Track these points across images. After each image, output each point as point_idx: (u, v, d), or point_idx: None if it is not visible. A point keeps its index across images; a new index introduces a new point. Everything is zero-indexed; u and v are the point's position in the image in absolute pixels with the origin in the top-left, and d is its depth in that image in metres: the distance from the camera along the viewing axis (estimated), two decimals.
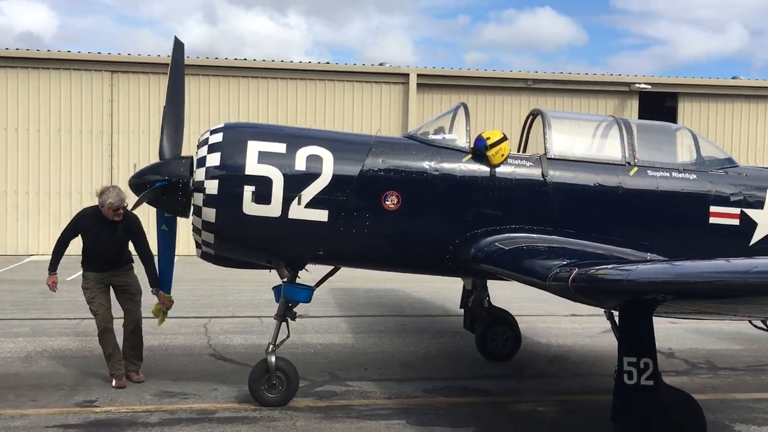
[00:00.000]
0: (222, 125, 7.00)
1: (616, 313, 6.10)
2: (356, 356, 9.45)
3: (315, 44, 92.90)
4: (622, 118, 7.87)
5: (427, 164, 7.00)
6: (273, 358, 7.09)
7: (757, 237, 7.54)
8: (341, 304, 13.36)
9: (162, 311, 7.86)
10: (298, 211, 6.66)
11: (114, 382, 7.63)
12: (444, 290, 14.83)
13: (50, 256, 7.81)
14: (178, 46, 7.45)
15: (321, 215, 6.72)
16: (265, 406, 7.09)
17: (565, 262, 5.68)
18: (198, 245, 7.04)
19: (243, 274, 10.19)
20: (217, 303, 13.03)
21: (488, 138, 7.00)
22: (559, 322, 12.25)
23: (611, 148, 7.46)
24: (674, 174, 7.44)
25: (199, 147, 6.82)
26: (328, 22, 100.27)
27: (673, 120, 23.67)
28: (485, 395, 7.83)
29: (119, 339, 7.84)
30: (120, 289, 7.90)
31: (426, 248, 7.08)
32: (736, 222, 7.49)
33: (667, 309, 5.71)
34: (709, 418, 5.97)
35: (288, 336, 7.32)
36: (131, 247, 7.89)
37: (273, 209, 6.63)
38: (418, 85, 22.13)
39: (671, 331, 11.67)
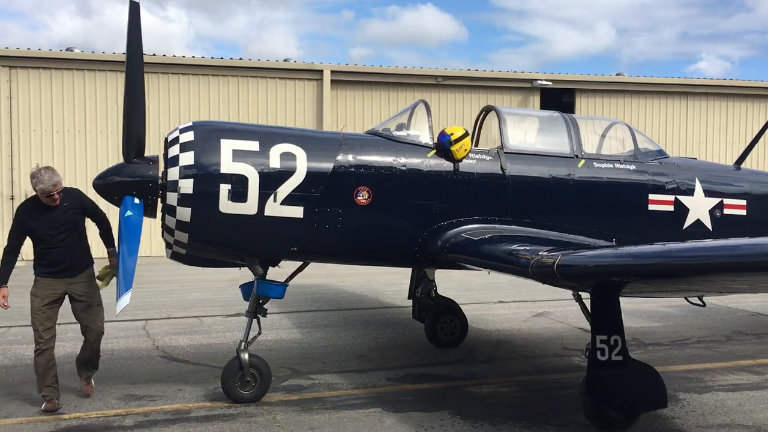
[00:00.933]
0: (190, 124, 6.95)
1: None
2: (310, 350, 9.56)
3: (197, 38, 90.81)
4: (566, 113, 8.38)
5: (394, 160, 7.22)
6: (246, 355, 7.13)
7: (689, 221, 8.25)
8: (275, 301, 13.31)
9: (109, 275, 7.12)
10: (274, 209, 6.73)
11: (44, 405, 6.80)
12: (374, 283, 15.16)
13: None
14: (134, 7, 6.63)
15: (296, 212, 6.81)
16: (237, 403, 7.13)
17: (545, 249, 6.07)
18: (168, 246, 6.96)
19: (172, 275, 9.96)
20: (149, 305, 12.72)
21: (452, 134, 7.30)
22: (491, 309, 12.79)
23: (560, 142, 7.95)
24: (616, 165, 8.03)
25: (169, 146, 6.74)
26: (210, 15, 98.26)
27: (571, 113, 24.96)
28: (447, 380, 8.15)
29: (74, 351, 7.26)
30: (78, 302, 7.01)
31: (395, 242, 7.31)
32: (671, 208, 8.16)
33: (635, 289, 6.21)
34: (705, 385, 6.58)
35: (259, 333, 7.37)
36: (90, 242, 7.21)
37: (249, 207, 6.66)
38: (332, 81, 22.26)
39: (638, 315, 12.46)
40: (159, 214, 6.84)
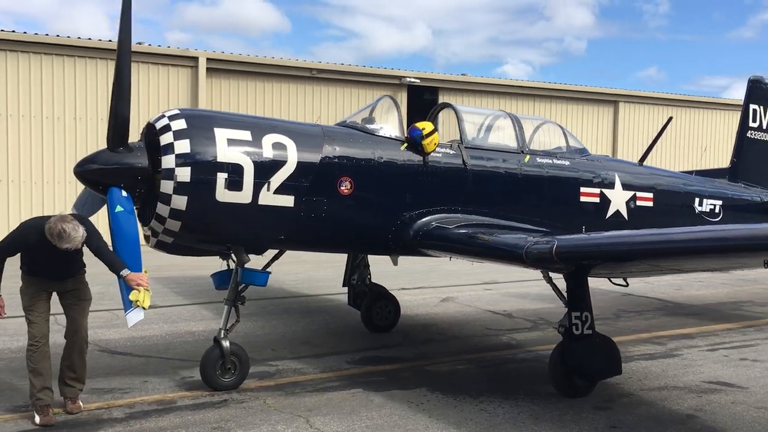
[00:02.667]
0: (178, 111, 6.87)
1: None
2: (254, 339, 9.62)
3: None
4: (510, 112, 9.14)
5: (373, 152, 7.58)
6: (227, 343, 7.20)
7: (610, 211, 9.31)
8: (194, 292, 13.16)
9: (144, 291, 6.30)
10: (267, 198, 6.85)
11: (37, 418, 6.15)
12: (293, 273, 15.28)
13: None
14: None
15: (287, 201, 6.98)
16: (216, 391, 7.17)
17: (532, 236, 6.73)
18: (154, 234, 6.85)
19: None
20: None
21: (423, 129, 7.78)
22: (400, 295, 13.34)
23: (509, 138, 8.68)
24: (555, 161, 8.90)
25: (160, 133, 6.65)
26: None
27: None
28: (403, 361, 8.62)
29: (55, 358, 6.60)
30: (66, 294, 6.53)
31: (373, 230, 7.67)
32: (597, 200, 9.18)
33: (605, 271, 7.03)
34: (634, 353, 7.49)
35: (237, 320, 7.45)
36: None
37: (244, 196, 6.74)
38: (208, 69, 21.81)
39: (494, 297, 13.51)
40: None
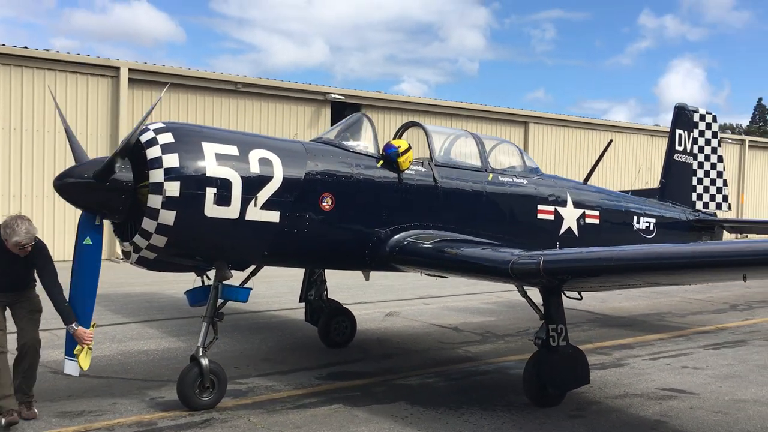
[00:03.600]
0: (162, 124, 6.76)
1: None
2: (214, 357, 9.43)
3: None
4: (471, 132, 9.44)
5: (352, 168, 7.68)
6: (206, 361, 7.07)
7: (563, 229, 9.77)
8: (131, 310, 12.73)
9: (87, 349, 6.71)
10: (254, 213, 6.82)
11: (3, 420, 6.31)
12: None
13: None
14: None
15: (273, 216, 6.97)
16: (194, 411, 7.03)
17: (517, 251, 6.99)
18: (136, 250, 6.67)
19: None
20: None
21: (399, 146, 7.95)
22: None
23: (473, 157, 8.98)
24: (514, 179, 9.26)
25: (147, 147, 6.51)
26: None
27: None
28: (371, 376, 8.67)
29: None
30: (17, 305, 6.64)
31: (352, 246, 7.74)
32: (552, 217, 9.61)
33: (580, 285, 7.38)
34: None
35: (216, 337, 7.33)
36: None
37: (232, 211, 6.69)
38: (130, 80, 21.17)
39: (435, 311, 13.78)
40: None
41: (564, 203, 9.77)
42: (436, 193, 8.34)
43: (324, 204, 7.38)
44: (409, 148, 8.04)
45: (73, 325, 6.61)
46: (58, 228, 19.44)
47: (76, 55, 20.81)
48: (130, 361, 9.18)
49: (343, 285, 14.98)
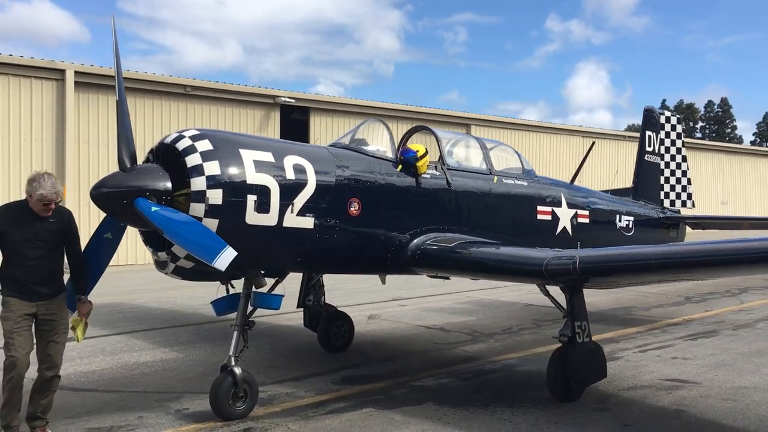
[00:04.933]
0: (197, 131, 6.64)
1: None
2: (214, 366, 9.23)
3: None
4: (474, 135, 9.63)
5: (375, 173, 7.73)
6: (239, 370, 6.99)
7: (559, 228, 10.08)
8: (107, 321, 12.35)
9: (83, 325, 6.54)
10: (291, 220, 6.79)
11: None
12: (202, 297, 14.71)
13: None
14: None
15: (308, 223, 6.95)
16: (225, 420, 6.94)
17: (546, 252, 7.19)
18: (174, 259, 6.52)
19: None
20: None
21: (417, 151, 8.05)
22: None
23: (479, 160, 9.17)
24: (516, 181, 9.51)
25: (185, 154, 6.39)
26: None
27: (306, 130, 26.43)
28: (387, 379, 8.69)
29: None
30: (45, 323, 6.17)
31: (376, 251, 7.79)
32: (549, 218, 9.90)
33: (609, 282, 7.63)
34: (536, 370, 8.52)
35: (246, 346, 7.25)
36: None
37: (271, 218, 6.65)
38: (77, 83, 20.45)
39: (414, 313, 13.92)
40: None
41: (559, 204, 10.09)
42: (449, 197, 8.49)
43: (352, 209, 7.40)
44: (427, 152, 8.15)
45: (84, 297, 6.48)
46: None
47: (18, 57, 19.96)
48: (133, 374, 8.93)
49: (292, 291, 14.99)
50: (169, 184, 6.33)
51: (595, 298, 16.28)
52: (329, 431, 6.72)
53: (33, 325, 6.23)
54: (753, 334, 11.86)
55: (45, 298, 6.17)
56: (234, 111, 24.25)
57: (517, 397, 7.84)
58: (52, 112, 20.30)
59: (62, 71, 20.26)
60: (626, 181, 14.49)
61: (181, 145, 6.45)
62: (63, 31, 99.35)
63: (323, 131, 26.42)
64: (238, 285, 7.85)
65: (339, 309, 10.61)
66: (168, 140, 6.59)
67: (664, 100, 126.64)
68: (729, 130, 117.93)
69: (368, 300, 15.27)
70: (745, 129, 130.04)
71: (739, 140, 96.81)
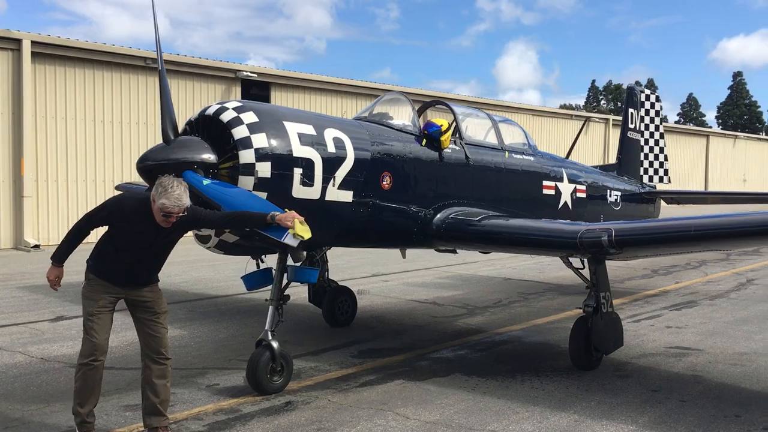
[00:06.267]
0: (240, 102, 6.52)
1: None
2: (225, 343, 9.21)
3: None
4: (483, 111, 9.72)
5: (404, 147, 7.74)
6: (276, 344, 6.96)
7: (561, 203, 10.31)
8: (68, 301, 11.92)
9: (299, 223, 5.85)
10: (332, 193, 6.77)
11: None
12: (182, 273, 14.52)
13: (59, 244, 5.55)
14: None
15: (347, 196, 6.94)
16: (263, 395, 6.91)
17: (583, 224, 7.36)
18: (218, 233, 6.42)
19: None
20: None
21: (441, 125, 8.09)
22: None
23: (491, 135, 9.27)
24: (524, 156, 9.67)
25: (231, 126, 6.27)
26: None
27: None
28: (403, 352, 8.74)
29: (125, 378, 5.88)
30: (139, 306, 5.63)
31: (404, 224, 7.82)
32: (553, 192, 10.12)
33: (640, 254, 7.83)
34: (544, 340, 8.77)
35: (281, 320, 7.21)
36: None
37: (314, 191, 6.61)
38: (34, 54, 19.60)
39: (400, 288, 14.02)
40: None
41: (561, 179, 10.31)
42: (467, 172, 8.58)
43: (384, 183, 7.42)
44: (450, 126, 8.21)
45: (272, 215, 5.76)
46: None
47: None
48: (130, 353, 8.71)
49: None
50: (213, 157, 6.20)
51: (567, 272, 16.72)
52: (370, 402, 6.76)
53: (115, 306, 5.67)
54: (730, 304, 12.42)
55: (134, 288, 5.62)
56: (195, 85, 23.70)
57: (541, 367, 8.06)
58: (7, 85, 19.40)
59: (18, 41, 19.34)
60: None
61: (226, 116, 6.33)
62: None
63: (283, 104, 26.09)
64: (268, 260, 7.81)
65: (341, 284, 10.62)
66: (210, 112, 6.45)
67: (593, 81, 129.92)
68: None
69: (349, 276, 15.27)
70: (669, 109, 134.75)
71: (665, 119, 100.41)
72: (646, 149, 14.08)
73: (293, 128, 6.52)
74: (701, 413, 6.50)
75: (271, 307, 7.08)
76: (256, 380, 6.83)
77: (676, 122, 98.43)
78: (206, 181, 5.93)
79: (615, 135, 46.21)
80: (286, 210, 5.91)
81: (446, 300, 12.65)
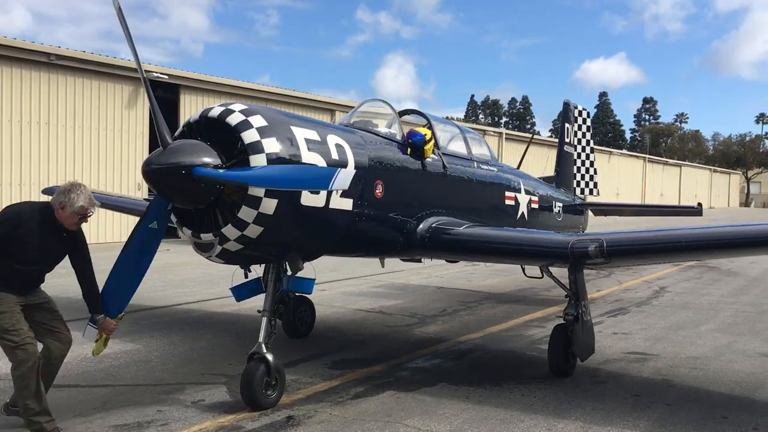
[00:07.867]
0: (245, 105, 6.23)
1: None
2: (190, 356, 8.79)
3: None
4: (452, 122, 9.78)
5: (393, 155, 7.66)
6: (271, 356, 6.71)
7: (518, 213, 10.54)
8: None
9: (104, 339, 6.26)
10: (336, 201, 6.59)
11: None
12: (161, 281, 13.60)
13: None
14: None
15: (348, 204, 6.78)
16: (258, 410, 6.63)
17: (572, 235, 7.52)
18: (223, 241, 6.08)
19: None
20: None
21: (425, 134, 8.08)
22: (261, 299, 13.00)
23: (461, 146, 9.35)
24: (489, 168, 9.82)
25: (240, 130, 5.98)
26: None
27: (176, 108, 25.18)
28: (376, 362, 8.61)
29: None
30: (38, 307, 5.89)
31: (392, 233, 7.72)
32: (513, 203, 10.34)
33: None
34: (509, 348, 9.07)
35: (274, 332, 6.95)
36: None
37: (320, 199, 6.41)
38: None
39: (339, 297, 13.87)
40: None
41: (519, 190, 10.55)
42: (445, 181, 8.61)
43: (377, 191, 7.31)
44: (432, 136, 8.21)
45: (102, 316, 6.09)
46: None
47: None
48: (104, 367, 8.18)
49: (213, 275, 14.58)
50: (215, 161, 5.89)
51: (492, 280, 17.14)
52: (372, 414, 6.63)
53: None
54: (656, 311, 13.10)
55: (35, 288, 5.97)
56: (101, 85, 22.54)
57: (519, 375, 8.17)
58: None
59: None
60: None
61: (233, 120, 6.03)
62: None
63: (194, 111, 25.27)
64: (256, 270, 7.53)
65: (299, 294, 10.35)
66: (214, 114, 6.12)
67: (472, 96, 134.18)
68: (529, 126, 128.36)
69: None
70: (541, 125, 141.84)
71: (538, 134, 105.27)
72: (578, 162, 14.68)
73: (300, 133, 6.30)
74: (690, 416, 6.81)
75: (264, 319, 6.82)
76: (251, 395, 6.55)
77: (548, 137, 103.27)
78: (154, 224, 5.96)
79: (507, 148, 48.06)
80: (115, 320, 6.16)
81: (391, 309, 12.62)
